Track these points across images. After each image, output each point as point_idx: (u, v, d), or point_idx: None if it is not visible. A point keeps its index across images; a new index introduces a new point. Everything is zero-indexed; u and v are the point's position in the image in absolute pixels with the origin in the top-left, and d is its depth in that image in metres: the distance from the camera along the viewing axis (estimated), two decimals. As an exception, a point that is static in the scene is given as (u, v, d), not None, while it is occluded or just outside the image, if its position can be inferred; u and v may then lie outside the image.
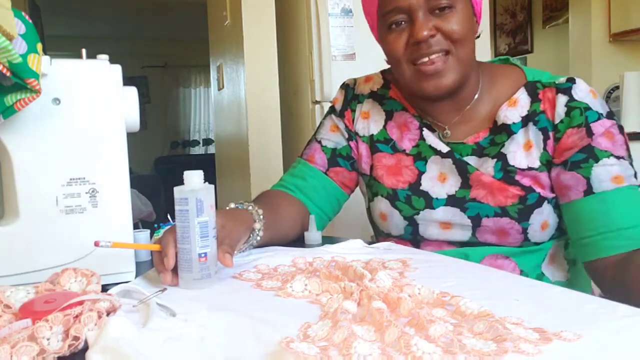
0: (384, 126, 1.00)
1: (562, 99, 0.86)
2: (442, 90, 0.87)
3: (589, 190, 0.82)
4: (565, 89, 0.86)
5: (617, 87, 3.02)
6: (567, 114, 0.85)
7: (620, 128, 0.86)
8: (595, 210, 0.82)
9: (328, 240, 0.93)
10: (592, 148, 0.83)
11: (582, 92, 0.85)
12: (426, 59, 0.85)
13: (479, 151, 0.91)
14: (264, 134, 2.31)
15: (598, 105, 0.85)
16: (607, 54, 3.15)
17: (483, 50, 2.31)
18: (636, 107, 2.77)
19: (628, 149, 0.85)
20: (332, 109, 1.08)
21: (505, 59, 0.98)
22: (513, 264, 0.89)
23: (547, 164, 0.87)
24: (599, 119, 0.84)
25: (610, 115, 0.85)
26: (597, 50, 3.14)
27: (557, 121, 0.86)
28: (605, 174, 0.82)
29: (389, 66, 0.98)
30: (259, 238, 0.84)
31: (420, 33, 0.83)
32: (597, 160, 0.82)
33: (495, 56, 4.14)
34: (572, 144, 0.85)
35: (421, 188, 0.94)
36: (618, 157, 0.83)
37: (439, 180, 0.93)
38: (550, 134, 0.86)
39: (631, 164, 0.84)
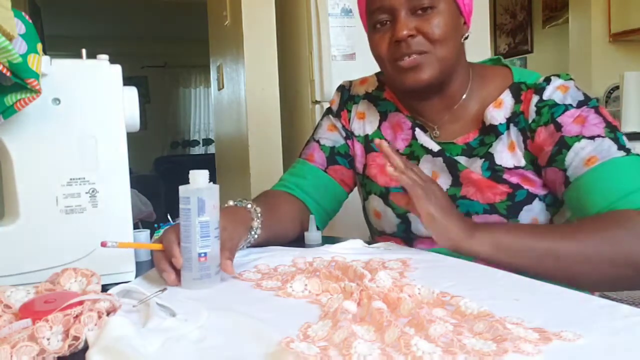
0: (379, 127, 1.02)
1: (534, 99, 0.87)
2: (420, 83, 0.88)
3: (567, 181, 0.82)
4: (539, 89, 0.87)
5: (617, 87, 3.02)
6: (537, 112, 0.86)
7: (596, 108, 0.84)
8: (575, 198, 0.82)
9: (328, 240, 0.93)
10: (562, 138, 0.83)
11: (550, 90, 0.86)
12: (406, 58, 0.86)
13: (469, 151, 0.92)
14: (264, 134, 2.31)
15: (568, 98, 0.85)
16: (607, 54, 3.15)
17: (483, 50, 2.31)
18: (636, 107, 2.77)
19: (609, 125, 0.82)
20: (329, 110, 1.10)
21: (497, 59, 1.00)
22: None
23: (533, 163, 0.88)
24: (565, 110, 0.84)
25: (583, 103, 0.84)
26: (597, 50, 3.14)
27: (530, 121, 0.87)
28: (577, 159, 0.81)
29: None
30: (256, 236, 0.85)
31: (400, 32, 0.85)
32: (568, 148, 0.82)
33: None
34: (544, 142, 0.85)
35: None
36: (591, 137, 0.81)
37: None
38: (528, 133, 0.88)
39: (615, 137, 0.80)
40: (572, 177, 0.81)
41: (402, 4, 0.85)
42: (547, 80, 0.87)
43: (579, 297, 0.59)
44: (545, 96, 0.86)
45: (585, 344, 0.46)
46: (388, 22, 0.88)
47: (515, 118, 0.89)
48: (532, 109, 0.87)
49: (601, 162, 0.79)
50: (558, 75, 0.88)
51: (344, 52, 2.11)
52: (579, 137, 0.81)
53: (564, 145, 0.82)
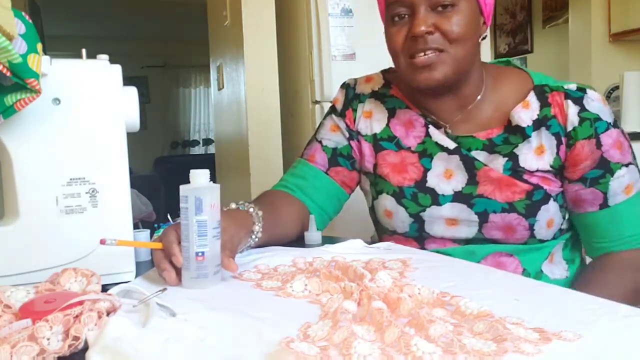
0: (387, 124, 1.00)
1: (573, 108, 0.87)
2: (433, 82, 0.87)
3: (604, 204, 0.87)
4: (577, 98, 0.87)
5: (617, 87, 3.02)
6: (580, 123, 0.86)
7: (624, 133, 0.88)
8: (609, 221, 0.88)
9: (328, 240, 0.93)
10: (607, 162, 0.86)
11: (594, 101, 0.87)
12: (422, 54, 0.85)
13: (490, 147, 0.91)
14: (264, 134, 2.31)
15: (607, 114, 0.87)
16: (607, 54, 3.15)
17: (483, 50, 2.29)
18: (636, 107, 2.77)
19: (632, 152, 0.88)
20: (332, 109, 1.07)
21: (507, 61, 0.99)
22: (516, 262, 0.90)
23: (559, 168, 0.89)
24: (607, 129, 0.86)
25: (617, 124, 0.88)
26: (597, 50, 3.14)
27: (569, 128, 0.87)
28: (619, 186, 0.86)
29: (389, 66, 0.99)
30: (257, 239, 0.84)
31: (418, 28, 0.84)
32: (612, 174, 0.86)
33: (496, 56, 4.14)
34: (585, 156, 0.87)
35: (427, 185, 0.95)
36: (627, 165, 0.86)
37: (444, 176, 0.94)
38: (563, 139, 0.88)
39: (637, 165, 0.88)
40: (612, 202, 0.87)
41: (423, 0, 0.84)
42: (581, 90, 0.88)
43: (579, 297, 0.59)
44: (590, 107, 0.86)
45: (585, 344, 0.47)
46: (406, 16, 0.87)
47: (546, 122, 0.88)
48: (574, 118, 0.86)
49: (635, 192, 0.88)
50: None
51: (344, 52, 2.11)
52: (619, 165, 0.86)
53: (608, 170, 0.86)
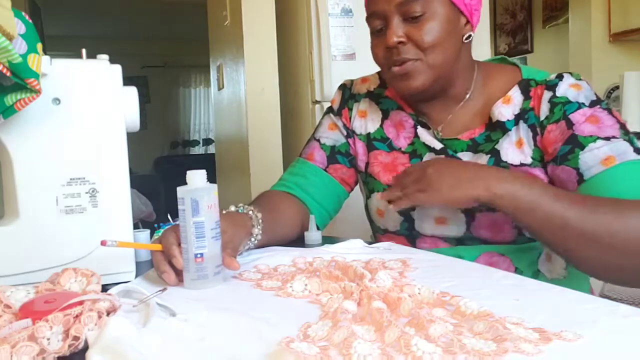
0: (381, 125, 1.02)
1: (547, 95, 0.86)
2: (412, 91, 0.89)
3: (580, 180, 0.81)
4: (552, 85, 0.87)
5: (617, 87, 3.02)
6: (551, 110, 0.86)
7: (609, 110, 0.84)
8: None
9: (328, 240, 0.93)
10: (575, 137, 0.82)
11: (564, 87, 0.86)
12: (397, 64, 0.87)
13: (474, 147, 0.92)
14: (264, 134, 2.31)
15: (581, 96, 0.85)
16: (607, 54, 3.15)
17: (483, 50, 2.31)
18: (636, 107, 2.77)
19: (622, 127, 0.82)
20: (330, 109, 1.10)
21: (501, 59, 0.99)
22: (508, 261, 0.89)
23: (541, 160, 0.88)
24: (578, 108, 0.84)
25: (595, 103, 0.84)
26: (597, 50, 3.14)
27: (542, 118, 0.87)
28: (593, 158, 0.80)
29: None
30: (256, 242, 0.84)
31: (390, 40, 0.86)
32: (582, 147, 0.81)
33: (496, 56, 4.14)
34: (554, 138, 0.85)
35: None
36: (607, 138, 0.80)
37: None
38: (538, 129, 0.87)
39: (629, 140, 0.81)
40: (588, 176, 0.80)
41: (393, 11, 0.86)
42: (559, 77, 0.87)
43: (579, 297, 0.59)
44: (559, 93, 0.85)
45: (585, 344, 0.47)
46: (382, 28, 0.89)
47: (524, 115, 0.88)
48: (545, 105, 0.86)
49: (619, 162, 0.78)
50: (570, 74, 0.88)
51: (344, 52, 2.11)
52: (593, 137, 0.81)
53: (577, 144, 0.82)
